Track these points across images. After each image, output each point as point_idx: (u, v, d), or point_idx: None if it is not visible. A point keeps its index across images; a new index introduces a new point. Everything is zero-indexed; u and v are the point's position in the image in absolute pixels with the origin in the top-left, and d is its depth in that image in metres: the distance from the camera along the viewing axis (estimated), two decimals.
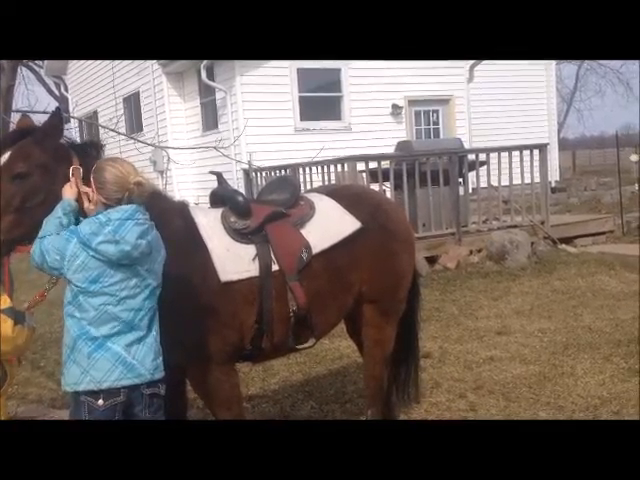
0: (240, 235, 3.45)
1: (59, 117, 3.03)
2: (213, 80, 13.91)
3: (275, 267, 3.45)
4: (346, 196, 3.93)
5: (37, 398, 5.52)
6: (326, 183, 9.66)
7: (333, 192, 3.99)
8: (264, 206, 3.63)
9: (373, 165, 9.82)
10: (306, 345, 3.68)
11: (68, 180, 2.92)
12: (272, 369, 5.70)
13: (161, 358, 2.83)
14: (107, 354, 2.65)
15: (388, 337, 3.99)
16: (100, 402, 2.65)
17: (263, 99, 13.39)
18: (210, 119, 14.70)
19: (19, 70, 22.17)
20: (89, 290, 2.63)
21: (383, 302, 3.91)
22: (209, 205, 3.78)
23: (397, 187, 9.81)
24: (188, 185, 14.35)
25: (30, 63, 26.51)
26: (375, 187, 8.99)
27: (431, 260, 9.65)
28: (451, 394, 5.01)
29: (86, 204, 2.81)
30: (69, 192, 2.87)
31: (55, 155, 2.99)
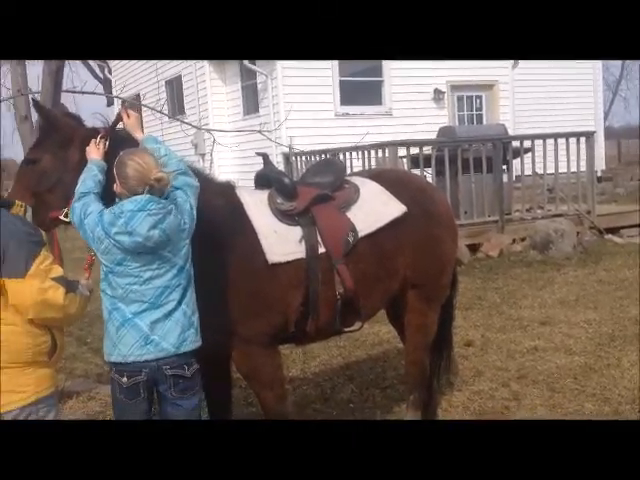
0: (286, 217, 3.42)
1: (39, 110, 3.19)
2: (254, 64, 13.90)
3: (321, 249, 3.41)
4: (390, 180, 3.88)
5: (84, 373, 5.65)
6: (367, 168, 9.58)
7: (377, 176, 3.94)
8: (310, 188, 3.60)
9: (414, 151, 9.72)
10: (353, 328, 3.64)
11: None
12: (312, 352, 5.70)
13: (192, 330, 2.85)
14: (133, 330, 2.74)
15: (430, 323, 3.95)
16: (124, 379, 2.77)
17: (304, 83, 13.33)
18: (251, 103, 14.71)
19: None
20: (115, 271, 2.73)
21: (426, 287, 3.86)
22: (253, 187, 3.76)
23: (439, 173, 9.70)
24: (228, 168, 14.41)
25: None
26: (416, 173, 8.90)
27: (473, 248, 9.54)
28: (494, 383, 4.94)
29: (119, 189, 2.83)
30: (95, 152, 2.98)
31: (65, 140, 3.09)
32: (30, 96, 4.83)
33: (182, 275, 2.81)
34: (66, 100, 4.99)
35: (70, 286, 2.63)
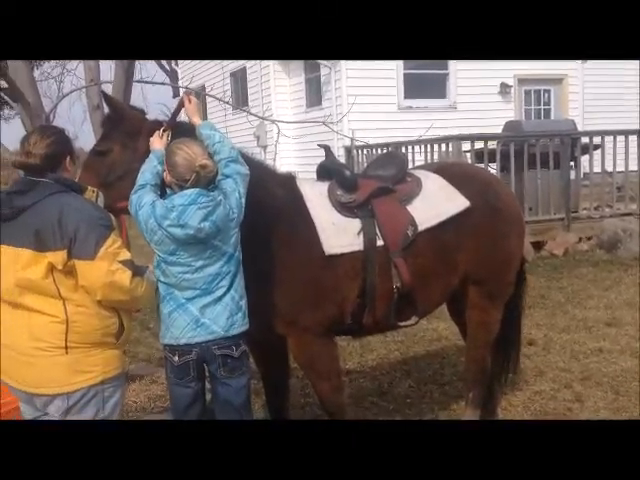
0: (346, 209, 3.42)
1: (108, 101, 3.30)
2: None
3: (380, 242, 3.40)
4: (455, 174, 3.82)
5: (146, 357, 5.81)
6: (429, 162, 9.46)
7: (442, 169, 3.89)
8: (371, 181, 3.58)
9: (479, 145, 9.54)
10: (408, 322, 3.61)
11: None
12: (369, 345, 5.70)
13: (240, 314, 2.93)
14: (184, 314, 2.86)
15: (493, 320, 3.87)
16: (176, 358, 2.91)
17: (367, 76, 13.23)
18: (314, 95, 14.72)
19: None
20: (168, 260, 2.83)
21: (489, 284, 3.78)
22: (315, 178, 3.76)
23: (503, 169, 9.51)
24: (289, 160, 14.48)
25: None
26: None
27: (537, 246, 9.32)
28: (556, 383, 4.83)
29: (168, 178, 2.92)
30: (158, 143, 3.04)
31: (133, 131, 3.14)
32: (101, 86, 4.94)
33: (232, 262, 2.90)
34: (134, 91, 5.08)
35: (137, 270, 2.69)
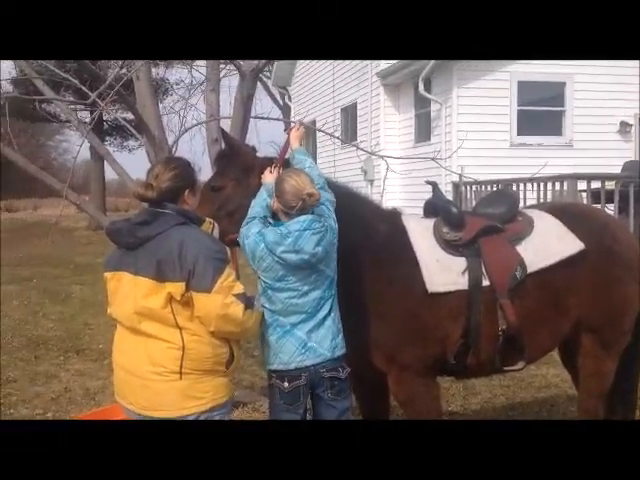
0: (451, 246, 3.39)
1: (225, 138, 3.42)
2: (429, 92, 13.89)
3: (485, 282, 3.33)
4: (570, 214, 3.71)
5: (250, 385, 5.91)
6: (542, 201, 9.16)
7: (555, 209, 3.79)
8: (479, 219, 3.53)
9: (596, 185, 9.15)
10: (515, 367, 3.50)
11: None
12: (474, 388, 5.54)
13: (340, 336, 3.00)
14: (292, 339, 2.93)
15: (607, 370, 3.68)
16: (286, 384, 2.94)
17: (479, 112, 13.07)
18: (423, 131, 14.68)
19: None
20: (275, 287, 2.90)
21: (604, 331, 3.61)
22: (422, 214, 3.74)
23: (621, 210, 9.04)
24: (395, 195, 14.46)
25: (260, 74, 28.38)
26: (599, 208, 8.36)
27: None
28: None
29: (275, 205, 3.01)
30: (269, 177, 3.14)
31: (247, 168, 3.25)
32: (220, 122, 5.15)
33: (332, 286, 2.99)
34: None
35: (249, 302, 2.74)
